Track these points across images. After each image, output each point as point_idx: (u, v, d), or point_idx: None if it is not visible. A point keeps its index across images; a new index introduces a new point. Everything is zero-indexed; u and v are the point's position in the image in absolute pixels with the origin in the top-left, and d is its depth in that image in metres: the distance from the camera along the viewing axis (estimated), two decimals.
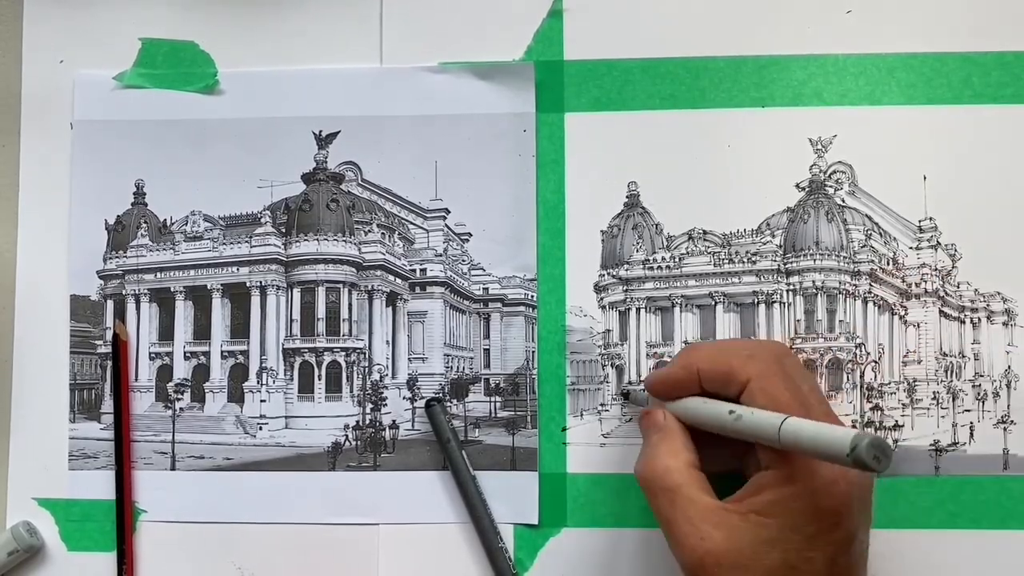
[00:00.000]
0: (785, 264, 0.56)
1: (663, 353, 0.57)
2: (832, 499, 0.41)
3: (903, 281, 0.56)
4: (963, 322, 0.56)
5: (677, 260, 0.57)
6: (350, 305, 0.58)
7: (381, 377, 0.58)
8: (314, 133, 0.57)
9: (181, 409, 0.58)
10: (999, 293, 0.55)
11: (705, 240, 0.56)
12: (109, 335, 0.58)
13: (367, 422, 0.57)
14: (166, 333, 0.59)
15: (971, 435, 0.55)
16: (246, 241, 0.58)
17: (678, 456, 0.44)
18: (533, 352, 0.56)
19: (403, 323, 0.58)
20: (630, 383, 0.56)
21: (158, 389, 0.58)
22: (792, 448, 0.39)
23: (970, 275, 0.55)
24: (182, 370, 0.59)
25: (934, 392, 0.55)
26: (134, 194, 0.58)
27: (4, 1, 0.59)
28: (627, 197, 0.56)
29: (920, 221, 0.55)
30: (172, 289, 0.59)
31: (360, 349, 0.58)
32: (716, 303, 0.57)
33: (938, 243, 0.55)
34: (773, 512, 0.41)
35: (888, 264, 0.56)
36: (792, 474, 0.41)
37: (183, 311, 0.59)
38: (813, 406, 0.43)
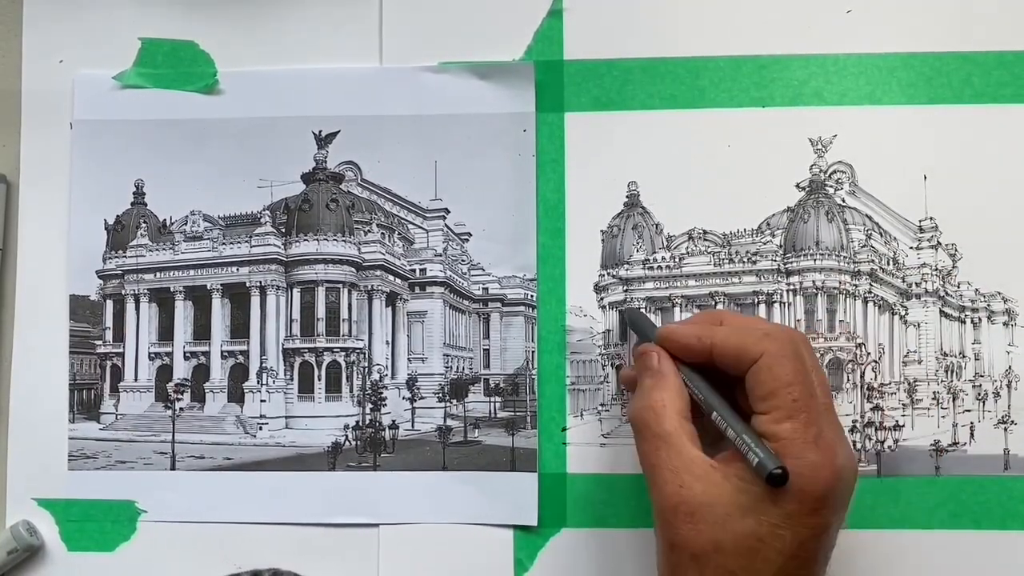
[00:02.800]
0: (785, 264, 0.56)
1: None
2: (817, 485, 0.41)
3: (903, 281, 0.56)
4: (963, 322, 0.56)
5: (677, 260, 0.57)
6: (350, 305, 0.58)
7: (381, 377, 0.57)
8: (314, 133, 0.57)
9: (181, 409, 0.58)
10: (1000, 293, 0.55)
11: (705, 240, 0.56)
12: (108, 335, 0.58)
13: (367, 422, 0.57)
14: (166, 333, 0.59)
15: (972, 435, 0.54)
16: (246, 241, 0.58)
17: (671, 404, 0.44)
18: (533, 352, 0.56)
19: (403, 323, 0.58)
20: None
21: (158, 389, 0.58)
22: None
23: (970, 275, 0.55)
24: (182, 370, 0.59)
25: (934, 392, 0.55)
26: (134, 194, 0.58)
27: (4, 1, 0.59)
28: (627, 197, 0.56)
29: (920, 221, 0.55)
30: (172, 289, 0.59)
31: (360, 349, 0.58)
32: (716, 303, 0.57)
33: (938, 243, 0.55)
34: (757, 481, 0.41)
35: (888, 264, 0.56)
36: (783, 452, 0.41)
37: (183, 311, 0.59)
38: (816, 397, 0.43)
